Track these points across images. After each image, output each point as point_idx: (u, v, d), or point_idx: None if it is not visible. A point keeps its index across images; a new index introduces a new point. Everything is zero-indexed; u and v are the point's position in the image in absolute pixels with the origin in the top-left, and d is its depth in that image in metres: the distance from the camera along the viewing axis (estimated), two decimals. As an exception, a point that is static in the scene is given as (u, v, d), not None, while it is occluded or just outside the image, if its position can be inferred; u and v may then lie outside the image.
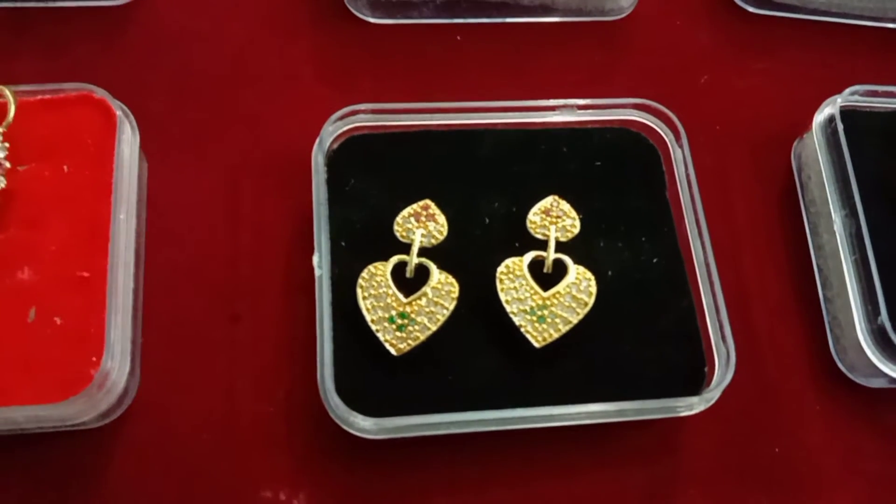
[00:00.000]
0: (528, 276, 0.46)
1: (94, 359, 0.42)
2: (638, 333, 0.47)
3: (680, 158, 0.51)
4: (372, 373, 0.45)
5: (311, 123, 0.50)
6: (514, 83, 0.56)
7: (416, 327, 0.45)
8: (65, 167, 0.46)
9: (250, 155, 0.53)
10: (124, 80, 0.52)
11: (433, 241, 0.47)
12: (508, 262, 0.47)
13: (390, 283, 0.45)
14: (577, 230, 0.48)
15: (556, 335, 0.45)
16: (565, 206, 0.48)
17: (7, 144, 0.45)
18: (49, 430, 0.43)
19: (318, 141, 0.48)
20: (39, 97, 0.47)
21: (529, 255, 0.47)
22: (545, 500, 0.46)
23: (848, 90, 0.53)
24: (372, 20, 0.57)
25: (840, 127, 0.51)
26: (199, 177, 0.52)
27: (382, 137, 0.50)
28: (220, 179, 0.52)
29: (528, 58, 0.57)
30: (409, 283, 0.46)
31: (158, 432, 0.45)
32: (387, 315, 0.45)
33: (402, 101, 0.51)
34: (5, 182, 0.45)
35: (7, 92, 0.46)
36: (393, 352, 0.44)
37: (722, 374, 0.45)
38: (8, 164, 0.45)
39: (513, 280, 0.46)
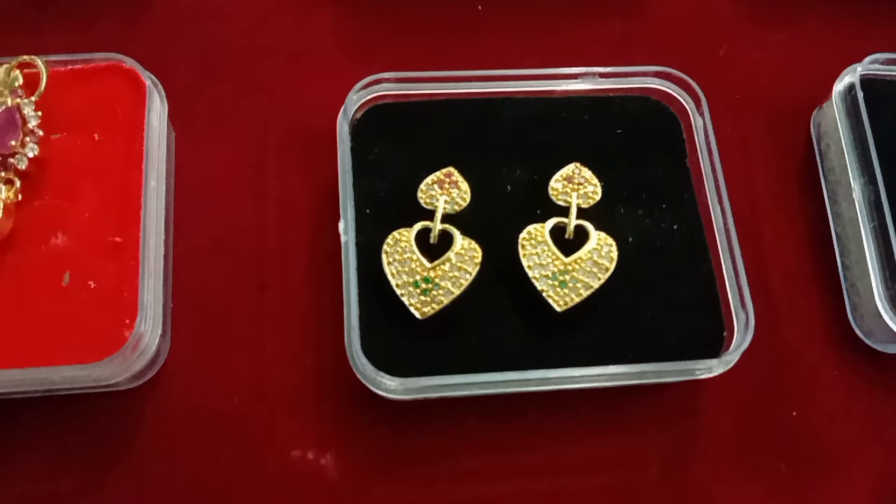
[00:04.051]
0: (549, 241, 0.47)
1: (127, 321, 0.43)
2: (658, 299, 0.48)
3: (700, 126, 0.51)
4: (397, 336, 0.46)
5: (335, 94, 0.50)
6: (535, 52, 0.56)
7: (440, 291, 0.45)
8: (96, 136, 0.47)
9: (275, 126, 0.53)
10: (149, 53, 0.53)
11: (456, 207, 0.48)
12: (531, 228, 0.47)
13: (414, 248, 0.46)
14: (598, 197, 0.48)
15: (577, 299, 0.46)
16: (587, 173, 0.49)
17: (39, 113, 0.46)
18: (84, 391, 0.44)
19: (342, 110, 0.49)
20: (70, 67, 0.48)
21: (551, 222, 0.48)
22: (566, 461, 0.47)
23: (868, 58, 0.52)
24: (393, -10, 0.57)
25: (860, 95, 0.51)
26: (225, 148, 0.53)
27: (406, 106, 0.51)
28: (245, 150, 0.53)
29: (549, 27, 0.58)
30: (433, 248, 0.47)
31: (189, 394, 0.47)
32: (411, 280, 0.46)
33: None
34: (38, 150, 0.46)
35: (39, 62, 0.47)
36: (418, 315, 0.45)
37: (741, 337, 0.46)
38: (41, 133, 0.46)
39: (535, 246, 0.47)
